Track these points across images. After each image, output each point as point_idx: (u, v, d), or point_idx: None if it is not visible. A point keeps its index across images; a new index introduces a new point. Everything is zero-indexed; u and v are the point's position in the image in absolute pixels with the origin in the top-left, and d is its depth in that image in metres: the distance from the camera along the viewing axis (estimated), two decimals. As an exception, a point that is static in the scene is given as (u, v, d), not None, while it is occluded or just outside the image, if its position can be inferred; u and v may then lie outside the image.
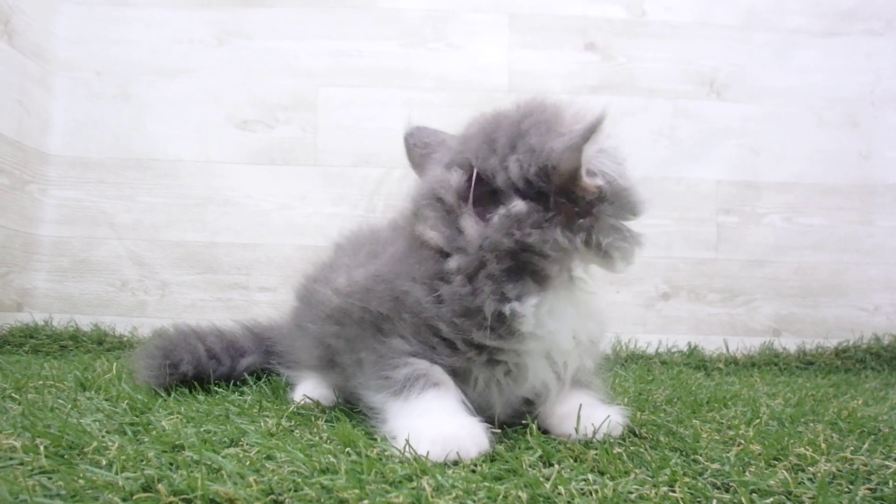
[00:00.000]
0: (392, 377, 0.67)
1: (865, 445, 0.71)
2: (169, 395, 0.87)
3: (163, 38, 1.84)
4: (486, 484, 0.52)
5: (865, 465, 0.63)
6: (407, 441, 0.61)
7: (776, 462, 0.64)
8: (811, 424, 0.85)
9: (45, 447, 0.57)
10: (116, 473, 0.51)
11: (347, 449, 0.62)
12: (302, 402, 0.85)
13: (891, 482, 0.58)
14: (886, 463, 0.64)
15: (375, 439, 0.67)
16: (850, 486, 0.57)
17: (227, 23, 1.85)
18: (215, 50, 1.84)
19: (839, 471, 0.61)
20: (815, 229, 1.88)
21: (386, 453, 0.62)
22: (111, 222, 1.81)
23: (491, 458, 0.62)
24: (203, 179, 1.82)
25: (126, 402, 0.80)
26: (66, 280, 1.79)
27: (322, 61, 1.85)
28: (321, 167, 1.84)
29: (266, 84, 1.84)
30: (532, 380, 0.71)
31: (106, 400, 0.82)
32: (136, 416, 0.74)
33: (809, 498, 0.52)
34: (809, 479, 0.58)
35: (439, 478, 0.53)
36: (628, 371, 1.46)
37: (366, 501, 0.47)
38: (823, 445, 0.71)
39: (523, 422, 0.71)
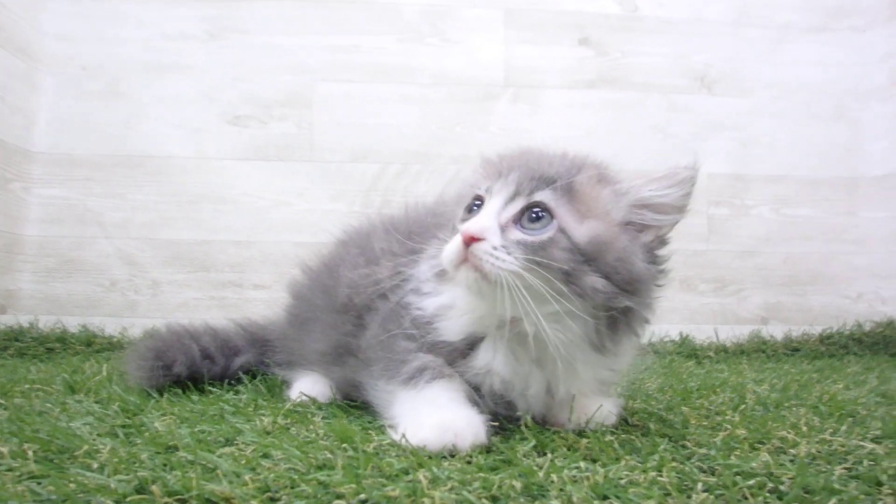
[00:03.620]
0: (402, 368, 0.69)
1: (844, 427, 0.73)
2: (162, 395, 0.87)
3: (153, 34, 1.81)
4: (482, 475, 0.53)
5: (843, 445, 0.66)
6: (404, 430, 0.62)
7: (760, 445, 0.66)
8: (794, 408, 0.87)
9: (34, 452, 0.57)
10: (109, 476, 0.51)
11: (344, 445, 0.62)
12: (298, 400, 0.85)
13: (865, 461, 0.60)
14: (862, 443, 0.66)
15: (371, 434, 0.67)
16: (828, 466, 0.59)
17: (219, 17, 1.82)
18: (207, 45, 1.82)
19: (818, 452, 0.64)
20: (803, 220, 1.92)
21: (384, 444, 0.62)
22: (100, 221, 1.78)
23: (487, 449, 0.63)
24: (196, 176, 1.80)
25: (117, 404, 0.80)
26: (53, 280, 1.76)
27: (318, 56, 1.84)
28: (317, 163, 1.83)
29: (260, 80, 1.82)
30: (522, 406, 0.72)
31: (96, 402, 0.81)
32: (129, 418, 0.73)
33: (789, 478, 0.54)
34: (790, 461, 0.60)
35: (435, 470, 0.54)
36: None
37: (362, 495, 0.48)
38: (805, 428, 0.73)
39: (517, 413, 0.72)
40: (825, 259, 1.92)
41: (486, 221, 0.65)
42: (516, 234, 0.65)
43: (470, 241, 0.64)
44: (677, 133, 1.91)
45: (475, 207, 0.70)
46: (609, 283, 0.64)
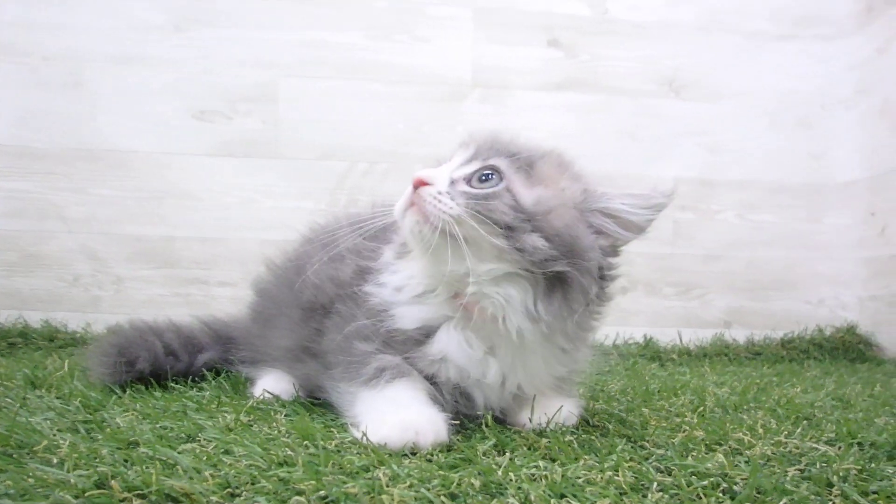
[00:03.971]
0: (362, 370, 0.69)
1: (799, 430, 0.76)
2: (124, 392, 0.85)
3: (117, 24, 1.76)
4: (441, 472, 0.54)
5: (797, 447, 0.68)
6: (365, 429, 0.62)
7: (717, 447, 0.68)
8: (752, 411, 0.90)
9: (-8, 447, 0.56)
10: (68, 471, 0.51)
11: (306, 442, 0.63)
12: (262, 397, 0.84)
13: (818, 463, 0.62)
14: (816, 446, 0.68)
15: (333, 431, 0.67)
16: (782, 468, 0.61)
17: (184, 9, 1.78)
18: (172, 37, 1.78)
19: (773, 453, 0.65)
20: (767, 226, 1.98)
21: (345, 442, 0.63)
22: (62, 215, 1.73)
23: (447, 447, 0.63)
24: (160, 171, 1.76)
25: (79, 399, 0.78)
26: (14, 275, 1.71)
27: (285, 51, 1.81)
28: (284, 160, 1.81)
29: (226, 74, 1.79)
30: (478, 400, 0.73)
31: (58, 398, 0.80)
32: (90, 414, 0.72)
33: (743, 479, 0.56)
34: (745, 462, 0.62)
35: (395, 468, 0.54)
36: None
37: (322, 492, 0.48)
38: (761, 430, 0.75)
39: (478, 412, 0.73)
40: (788, 265, 1.98)
41: (438, 171, 0.70)
42: (464, 187, 0.68)
43: (418, 184, 0.67)
44: (645, 137, 1.94)
45: None
46: (550, 245, 0.65)
